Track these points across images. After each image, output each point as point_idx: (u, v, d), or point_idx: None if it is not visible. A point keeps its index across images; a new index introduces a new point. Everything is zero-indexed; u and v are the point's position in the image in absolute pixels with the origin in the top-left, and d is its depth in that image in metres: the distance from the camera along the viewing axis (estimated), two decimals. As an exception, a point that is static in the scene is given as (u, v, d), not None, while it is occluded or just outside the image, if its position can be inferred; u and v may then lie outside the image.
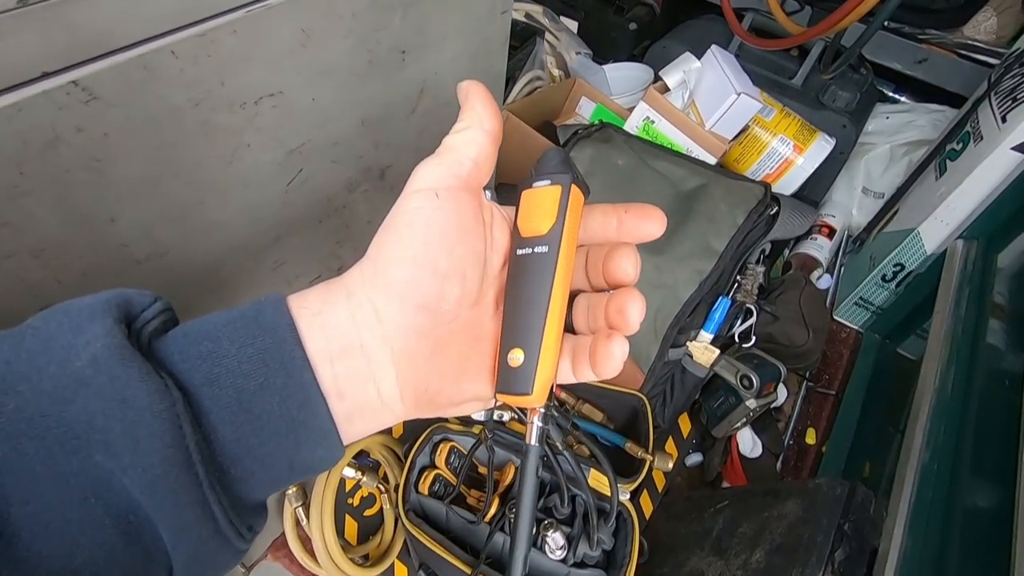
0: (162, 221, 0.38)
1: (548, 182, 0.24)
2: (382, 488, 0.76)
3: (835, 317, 1.16)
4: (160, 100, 0.34)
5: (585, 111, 1.20)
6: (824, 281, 1.23)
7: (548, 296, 0.23)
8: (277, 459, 0.21)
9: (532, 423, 0.25)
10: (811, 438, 1.00)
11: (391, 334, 0.22)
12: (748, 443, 0.90)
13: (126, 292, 0.21)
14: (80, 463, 0.18)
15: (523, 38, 1.15)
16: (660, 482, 0.87)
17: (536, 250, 0.23)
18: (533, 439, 0.25)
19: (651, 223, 0.25)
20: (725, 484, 0.89)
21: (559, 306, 0.23)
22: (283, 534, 0.75)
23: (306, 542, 0.71)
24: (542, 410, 0.24)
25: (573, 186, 0.24)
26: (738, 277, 0.72)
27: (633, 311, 0.23)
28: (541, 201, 0.23)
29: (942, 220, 0.96)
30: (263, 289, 0.51)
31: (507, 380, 0.23)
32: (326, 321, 0.22)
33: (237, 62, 0.36)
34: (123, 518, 0.18)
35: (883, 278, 1.08)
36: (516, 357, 0.23)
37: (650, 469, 0.66)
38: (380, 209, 0.59)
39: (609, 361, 0.23)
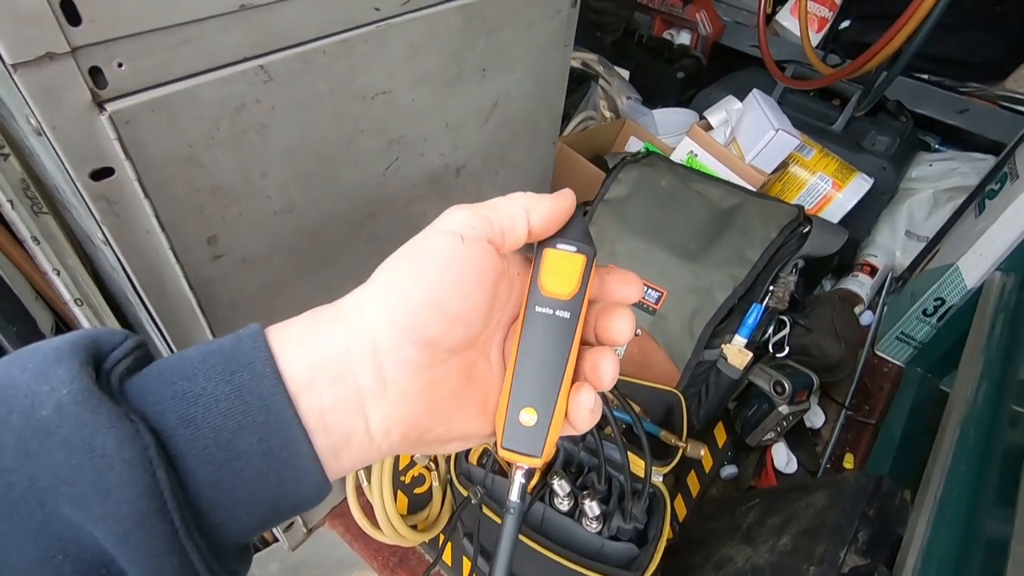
0: (295, 182, 0.49)
1: (574, 249, 0.25)
2: (432, 467, 0.83)
3: (877, 352, 1.18)
4: (309, 86, 0.45)
5: (633, 148, 1.30)
6: (866, 317, 1.25)
7: (566, 362, 0.24)
8: (260, 501, 0.20)
9: (515, 480, 0.24)
10: (849, 463, 1.01)
11: (386, 365, 0.21)
12: (783, 458, 0.92)
13: (94, 332, 0.20)
14: (46, 517, 0.17)
15: (579, 82, 1.28)
16: (695, 488, 0.90)
17: (558, 313, 0.24)
18: (515, 495, 0.24)
19: (629, 288, 0.26)
20: (759, 497, 0.91)
21: (572, 371, 0.24)
22: (342, 502, 0.82)
23: (366, 509, 0.78)
24: (526, 467, 0.24)
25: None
26: (770, 287, 0.78)
27: (607, 368, 0.24)
28: (565, 265, 0.24)
29: (980, 254, 0.99)
30: (355, 256, 0.61)
31: (516, 438, 0.23)
32: (314, 351, 0.21)
33: (365, 64, 0.48)
34: (95, 573, 0.18)
35: (924, 312, 1.11)
36: (529, 417, 0.23)
37: (683, 455, 0.71)
38: (453, 202, 0.69)
39: (579, 408, 0.24)
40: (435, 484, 0.83)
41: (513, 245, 0.24)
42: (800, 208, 0.82)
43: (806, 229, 0.80)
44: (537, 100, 0.72)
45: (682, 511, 0.87)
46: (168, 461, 0.18)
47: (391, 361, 0.21)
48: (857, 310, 1.24)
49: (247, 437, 0.19)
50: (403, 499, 0.85)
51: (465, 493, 0.68)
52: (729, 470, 0.95)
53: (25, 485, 0.17)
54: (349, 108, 0.49)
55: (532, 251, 0.26)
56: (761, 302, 0.78)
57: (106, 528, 0.17)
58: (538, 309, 0.24)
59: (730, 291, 0.76)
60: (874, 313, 1.26)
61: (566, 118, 1.25)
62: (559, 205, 0.25)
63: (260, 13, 0.38)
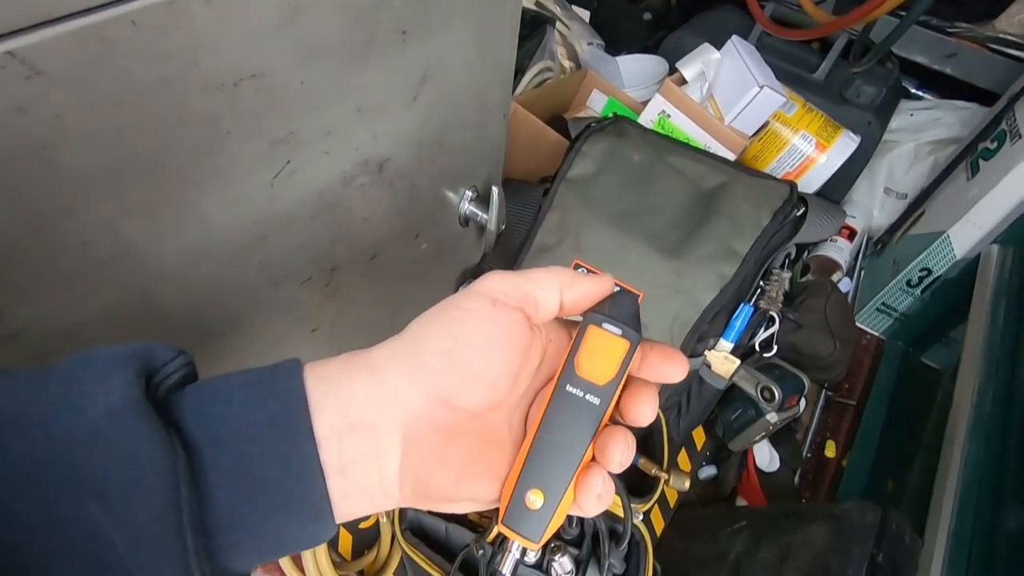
0: (128, 216, 0.34)
1: (620, 332, 0.24)
2: (379, 499, 0.72)
3: (856, 323, 1.12)
4: (123, 78, 0.29)
5: (596, 104, 1.15)
6: (844, 284, 1.18)
7: (584, 450, 0.23)
8: (267, 531, 0.20)
9: (511, 552, 0.24)
10: (831, 451, 0.95)
11: (406, 418, 0.22)
12: (765, 457, 0.85)
13: (151, 344, 0.21)
14: (75, 513, 0.17)
15: (533, 27, 1.11)
16: (672, 497, 0.82)
17: (588, 398, 0.23)
18: (507, 569, 0.25)
19: (673, 367, 0.25)
20: (740, 500, 0.85)
21: (588, 459, 0.23)
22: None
23: (296, 557, 0.67)
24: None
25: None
26: (761, 283, 0.67)
27: (615, 451, 0.23)
28: (606, 348, 0.23)
29: (974, 223, 0.91)
30: (249, 291, 0.47)
31: (518, 517, 0.22)
32: (343, 394, 0.22)
33: (212, 38, 0.32)
34: (107, 574, 0.18)
35: (908, 283, 1.04)
36: (535, 500, 0.22)
37: (663, 488, 0.62)
38: (378, 205, 0.54)
39: (587, 491, 0.23)
40: (383, 519, 0.73)
41: (545, 316, 0.25)
42: (792, 186, 0.71)
43: (800, 212, 0.69)
44: (481, 66, 0.56)
45: (659, 524, 0.80)
46: (192, 478, 0.19)
47: (412, 415, 0.22)
48: (835, 277, 1.16)
49: (267, 465, 0.20)
50: (346, 537, 0.74)
51: (410, 552, 0.58)
52: (708, 471, 0.88)
53: (64, 478, 0.17)
54: (199, 104, 0.33)
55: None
56: (750, 301, 0.67)
57: (124, 532, 0.18)
58: (568, 388, 0.23)
59: (716, 292, 0.65)
60: (852, 280, 1.19)
61: (519, 71, 1.08)
62: (596, 288, 0.25)
63: (-16, -34, 0.22)
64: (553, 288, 0.24)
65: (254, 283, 0.46)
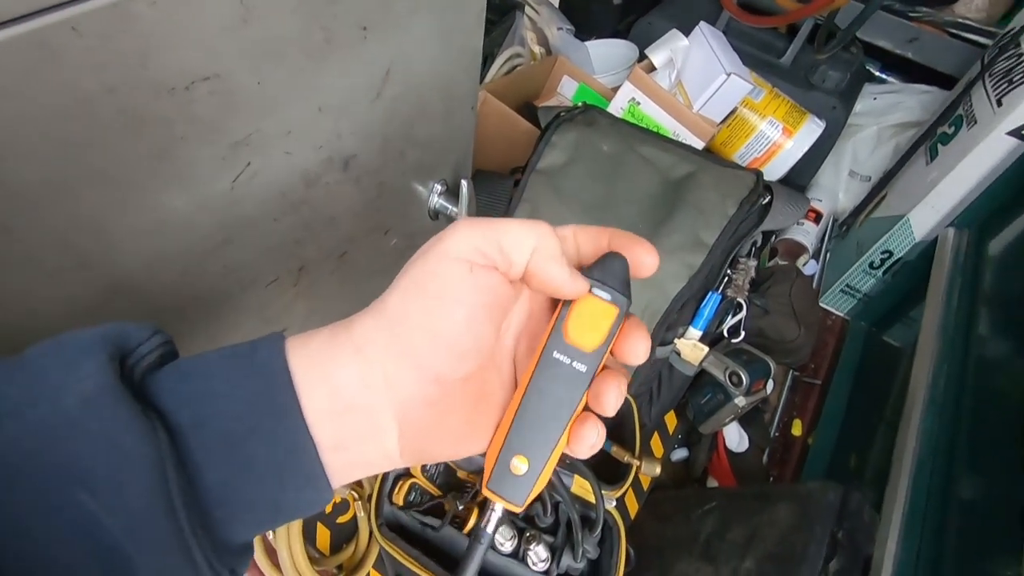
0: (78, 228, 0.33)
1: (609, 297, 0.23)
2: (356, 495, 0.73)
3: (821, 304, 1.15)
4: (64, 87, 0.28)
5: (567, 90, 1.14)
6: (810, 267, 1.21)
7: (569, 418, 0.23)
8: (263, 503, 0.20)
9: (493, 510, 0.25)
10: (797, 429, 0.98)
11: (398, 399, 0.22)
12: (735, 437, 0.88)
13: (124, 326, 0.21)
14: (67, 502, 0.18)
15: (502, 12, 1.09)
16: (646, 481, 0.84)
17: (575, 365, 0.23)
18: (491, 525, 0.25)
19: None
20: (711, 480, 0.87)
21: (573, 424, 0.23)
22: (251, 545, 0.71)
23: (272, 554, 0.67)
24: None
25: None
26: (729, 271, 0.69)
27: (610, 396, 0.23)
28: (595, 314, 0.23)
29: (932, 206, 0.93)
30: (213, 296, 0.46)
31: (502, 482, 0.23)
32: (331, 376, 0.21)
33: (161, 40, 0.31)
34: (106, 559, 0.18)
35: (870, 265, 1.06)
36: (519, 465, 0.23)
37: (636, 474, 0.63)
38: (345, 202, 0.53)
39: (581, 442, 0.23)
40: (360, 513, 0.73)
41: (517, 276, 0.23)
42: (758, 175, 0.72)
43: (766, 200, 0.70)
44: (447, 57, 0.55)
45: (633, 507, 0.82)
46: (179, 460, 0.19)
47: (404, 396, 0.22)
48: (802, 260, 1.19)
49: (255, 442, 0.20)
50: (324, 532, 0.75)
51: (387, 547, 0.58)
52: (680, 454, 0.90)
53: (51, 470, 0.18)
54: (150, 108, 0.32)
55: None
56: (718, 289, 0.68)
57: (117, 519, 0.18)
58: (556, 355, 0.23)
59: (684, 282, 0.66)
60: (818, 262, 1.22)
61: (487, 58, 1.07)
62: (566, 291, 0.23)
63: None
64: (526, 248, 0.22)
65: (219, 287, 0.45)
